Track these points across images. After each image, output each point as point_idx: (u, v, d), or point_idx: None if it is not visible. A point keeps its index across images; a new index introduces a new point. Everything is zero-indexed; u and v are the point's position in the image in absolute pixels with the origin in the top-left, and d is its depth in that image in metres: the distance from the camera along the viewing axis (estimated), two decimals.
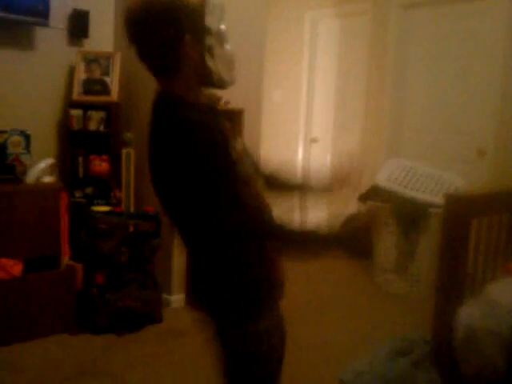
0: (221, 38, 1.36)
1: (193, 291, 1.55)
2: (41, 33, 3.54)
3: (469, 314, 2.33)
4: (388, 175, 4.13)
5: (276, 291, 1.47)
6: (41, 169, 3.27)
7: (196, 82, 1.37)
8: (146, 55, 1.34)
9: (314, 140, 5.86)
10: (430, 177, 4.11)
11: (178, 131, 1.27)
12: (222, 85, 1.40)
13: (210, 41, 1.32)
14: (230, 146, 1.32)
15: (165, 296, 3.55)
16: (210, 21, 1.31)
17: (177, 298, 3.62)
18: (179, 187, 1.31)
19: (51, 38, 3.61)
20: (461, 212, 2.40)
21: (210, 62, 1.33)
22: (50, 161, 3.38)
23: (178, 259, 3.62)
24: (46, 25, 3.46)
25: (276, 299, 1.48)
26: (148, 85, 3.99)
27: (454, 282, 2.43)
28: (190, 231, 1.41)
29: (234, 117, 3.54)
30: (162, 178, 1.36)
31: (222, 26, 1.37)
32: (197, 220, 1.34)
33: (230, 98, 3.56)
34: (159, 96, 1.38)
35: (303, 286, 4.09)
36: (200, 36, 1.31)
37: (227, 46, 1.39)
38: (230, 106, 3.62)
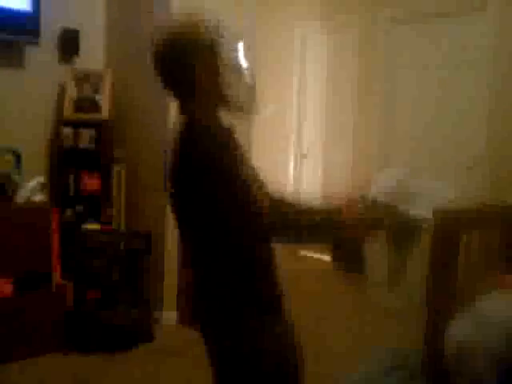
0: (239, 69, 1.47)
1: (194, 312, 1.60)
2: (31, 51, 3.56)
3: (460, 328, 2.33)
4: (379, 189, 4.15)
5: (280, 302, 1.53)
6: (31, 187, 3.26)
7: (216, 108, 1.47)
8: (165, 81, 1.49)
9: (304, 155, 5.88)
10: (421, 189, 4.13)
11: (204, 166, 1.37)
12: (241, 112, 1.51)
13: (224, 72, 1.43)
14: (245, 167, 1.42)
15: (156, 313, 3.53)
16: (224, 54, 1.43)
17: (168, 316, 3.59)
18: (203, 212, 1.39)
19: (42, 57, 3.63)
20: (450, 227, 2.42)
21: (225, 92, 1.44)
22: (40, 179, 3.37)
23: (170, 277, 3.61)
24: (36, 43, 3.47)
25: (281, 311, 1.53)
26: (138, 103, 3.99)
27: (444, 296, 2.44)
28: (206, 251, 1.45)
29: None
30: (186, 204, 1.44)
31: (241, 58, 1.48)
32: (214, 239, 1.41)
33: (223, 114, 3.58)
34: (184, 126, 1.46)
35: (296, 300, 4.07)
36: (215, 68, 1.43)
37: (248, 77, 1.50)
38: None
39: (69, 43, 3.73)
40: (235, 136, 1.43)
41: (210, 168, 1.36)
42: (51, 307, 3.13)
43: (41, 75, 3.65)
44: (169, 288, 3.61)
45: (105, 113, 3.66)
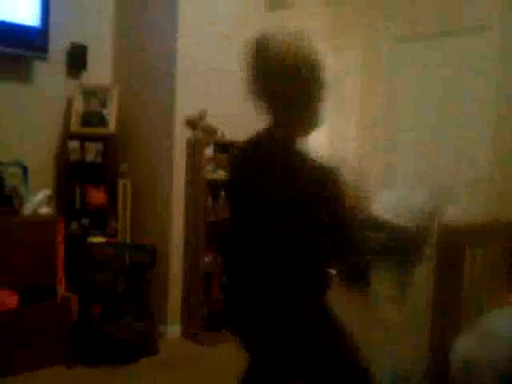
0: (322, 90, 1.53)
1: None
2: (39, 66, 3.60)
3: (465, 344, 2.33)
4: (381, 204, 4.16)
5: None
6: (38, 200, 3.28)
7: (299, 131, 1.56)
8: (271, 103, 1.52)
9: None
10: (424, 206, 4.13)
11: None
12: (313, 130, 1.60)
13: (316, 91, 1.50)
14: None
15: (160, 327, 3.54)
16: (320, 76, 1.49)
17: (172, 329, 3.60)
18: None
19: (50, 72, 3.67)
20: (455, 243, 2.42)
21: (321, 111, 1.53)
22: (47, 192, 3.39)
23: (174, 290, 3.62)
24: (44, 58, 3.52)
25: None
26: (144, 118, 4.04)
27: (449, 311, 2.44)
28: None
29: (230, 148, 3.58)
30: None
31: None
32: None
33: (226, 130, 3.62)
34: (268, 140, 1.54)
35: None
36: (319, 88, 1.51)
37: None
38: (227, 138, 3.66)
39: (77, 58, 3.78)
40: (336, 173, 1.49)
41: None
42: (56, 319, 3.13)
43: (49, 89, 3.69)
44: (173, 301, 3.61)
45: (111, 127, 3.69)
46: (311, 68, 1.46)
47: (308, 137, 1.58)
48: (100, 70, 3.95)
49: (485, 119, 4.32)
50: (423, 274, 3.91)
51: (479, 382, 2.20)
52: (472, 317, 2.58)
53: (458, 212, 4.01)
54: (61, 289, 3.23)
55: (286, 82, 1.46)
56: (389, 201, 4.18)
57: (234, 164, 1.72)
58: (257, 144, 1.57)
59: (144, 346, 3.26)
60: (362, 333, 3.90)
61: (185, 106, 3.56)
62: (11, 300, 3.01)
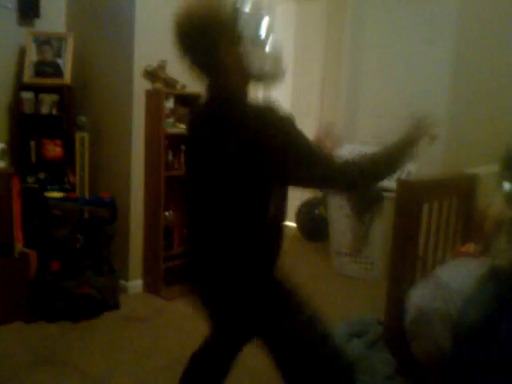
0: (260, 42, 1.52)
1: (195, 277, 1.63)
2: None
3: (419, 295, 2.41)
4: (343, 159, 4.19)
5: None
6: None
7: (241, 81, 1.53)
8: (194, 60, 1.53)
9: None
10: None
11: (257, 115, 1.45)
12: (266, 82, 1.58)
13: (244, 46, 1.48)
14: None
15: (122, 282, 3.53)
16: (243, 29, 1.47)
17: (134, 284, 3.60)
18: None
19: (1, 18, 3.49)
20: (412, 197, 2.47)
21: (246, 64, 1.49)
22: (0, 145, 3.28)
23: (135, 245, 3.60)
24: None
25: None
26: (101, 68, 3.90)
27: (406, 265, 2.51)
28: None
29: (192, 101, 3.52)
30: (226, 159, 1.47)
31: (264, 33, 1.53)
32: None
33: (187, 82, 3.54)
34: (214, 98, 1.55)
35: None
36: (235, 42, 1.47)
37: (272, 49, 1.54)
38: (188, 90, 3.59)
39: (29, 5, 3.59)
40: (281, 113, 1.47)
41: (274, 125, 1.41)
42: (14, 276, 3.08)
43: (0, 37, 3.52)
44: (134, 257, 3.60)
45: (67, 78, 3.56)
46: (222, 22, 1.46)
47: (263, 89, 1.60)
48: (54, 17, 3.78)
49: (443, 75, 4.36)
50: (380, 228, 4.02)
51: (430, 330, 2.29)
52: (428, 269, 2.67)
53: (415, 166, 4.10)
54: (18, 245, 3.17)
55: (205, 44, 1.47)
56: (348, 155, 4.23)
57: (188, 119, 1.74)
58: (207, 103, 1.58)
59: (105, 301, 3.25)
60: (320, 285, 4.00)
61: (144, 56, 3.45)
62: None
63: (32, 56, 3.55)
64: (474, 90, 4.13)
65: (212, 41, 1.47)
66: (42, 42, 3.59)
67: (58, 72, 3.57)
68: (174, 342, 2.96)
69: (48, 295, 3.13)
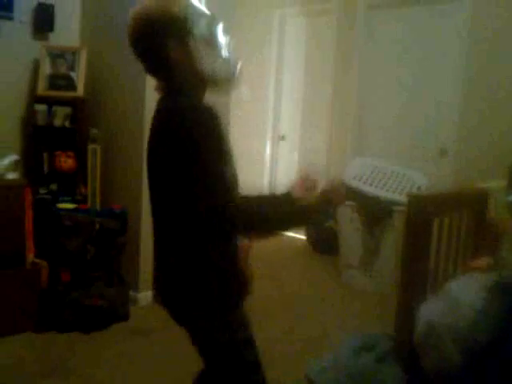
0: (213, 43, 1.46)
1: (157, 289, 1.57)
2: (4, 26, 3.48)
3: (430, 310, 2.39)
4: (353, 173, 4.19)
5: (243, 287, 1.52)
6: (5, 165, 3.22)
7: (191, 84, 1.46)
8: (142, 60, 1.50)
9: (281, 138, 5.90)
10: (393, 175, 4.17)
11: (180, 115, 1.37)
12: (219, 86, 1.51)
13: (194, 44, 1.42)
14: (226, 138, 1.39)
15: (132, 293, 3.54)
16: (194, 27, 1.42)
17: (144, 296, 3.60)
18: (175, 168, 1.37)
19: (15, 32, 3.55)
20: (423, 211, 2.46)
21: (195, 64, 1.43)
22: (13, 157, 3.32)
23: (145, 256, 3.61)
24: (9, 18, 3.40)
25: (242, 296, 1.52)
26: (114, 81, 3.93)
27: (416, 279, 2.50)
28: (171, 217, 1.45)
29: None
30: (162, 160, 1.41)
31: (219, 36, 1.48)
32: (182, 200, 1.39)
33: None
34: (161, 103, 1.48)
35: (270, 281, 4.13)
36: (184, 40, 1.42)
37: (227, 52, 1.50)
38: None
39: (44, 19, 3.65)
40: (217, 116, 1.39)
41: (186, 140, 1.32)
42: (25, 286, 3.10)
43: (14, 51, 3.58)
44: (144, 268, 3.61)
45: (80, 90, 3.61)
46: (170, 18, 1.41)
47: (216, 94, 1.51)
48: (68, 31, 3.83)
49: (454, 90, 4.37)
50: (390, 242, 4.00)
51: (440, 345, 2.27)
52: (438, 283, 2.65)
53: (425, 181, 4.08)
54: (30, 255, 3.20)
55: (153, 43, 1.43)
56: (359, 168, 4.22)
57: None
58: (160, 108, 1.50)
59: (115, 312, 3.26)
60: (329, 298, 3.99)
61: None
62: None
63: (46, 69, 3.60)
64: (484, 105, 4.13)
65: (160, 37, 1.42)
66: (56, 55, 3.64)
67: (71, 85, 3.62)
68: (182, 354, 2.96)
69: (58, 306, 3.14)
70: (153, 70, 1.50)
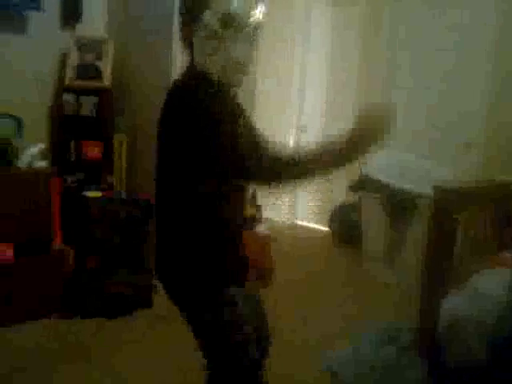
0: (226, 40, 1.42)
1: (158, 270, 1.63)
2: (33, 17, 3.52)
3: (455, 303, 2.38)
4: (377, 166, 4.17)
5: (241, 268, 1.58)
6: (33, 153, 3.27)
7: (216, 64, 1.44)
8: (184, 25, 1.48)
9: (304, 128, 5.87)
10: (418, 168, 4.15)
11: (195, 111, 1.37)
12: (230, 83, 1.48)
13: (202, 34, 1.42)
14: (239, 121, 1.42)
15: (155, 281, 3.58)
16: (208, 20, 1.40)
17: None
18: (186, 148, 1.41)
19: (43, 23, 3.60)
20: (449, 204, 2.44)
21: (200, 58, 1.44)
22: (41, 146, 3.37)
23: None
24: (38, 8, 3.44)
25: (241, 276, 1.57)
26: (140, 71, 3.95)
27: (440, 272, 2.48)
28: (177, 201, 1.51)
29: None
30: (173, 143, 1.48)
31: (232, 32, 1.42)
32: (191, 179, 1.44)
33: None
34: (185, 72, 1.51)
35: (291, 272, 4.13)
36: (196, 26, 1.43)
37: (239, 52, 1.44)
38: None
39: (71, 9, 3.70)
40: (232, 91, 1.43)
41: (201, 112, 1.35)
42: (51, 272, 3.17)
43: (43, 41, 3.62)
44: None
45: (107, 80, 3.65)
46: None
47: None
48: (95, 22, 3.87)
49: (481, 81, 4.29)
50: (416, 235, 3.96)
51: (464, 338, 2.25)
52: (463, 277, 2.63)
53: (450, 174, 4.04)
54: (57, 242, 3.26)
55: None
56: (384, 161, 4.19)
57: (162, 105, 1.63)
58: (179, 85, 1.52)
59: (138, 299, 3.31)
60: (351, 290, 3.98)
61: (181, 59, 3.51)
62: (7, 252, 3.03)
63: (73, 59, 3.65)
64: None
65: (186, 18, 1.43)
66: (83, 45, 3.68)
67: (98, 75, 3.66)
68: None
69: (83, 292, 3.20)
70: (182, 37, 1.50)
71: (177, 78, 1.54)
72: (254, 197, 4.25)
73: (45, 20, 3.58)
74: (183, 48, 1.52)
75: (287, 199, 5.57)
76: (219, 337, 1.53)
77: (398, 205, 4.01)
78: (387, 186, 4.06)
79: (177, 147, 1.43)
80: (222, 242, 1.51)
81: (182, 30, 1.48)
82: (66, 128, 3.60)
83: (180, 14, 1.47)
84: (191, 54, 1.48)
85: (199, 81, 1.42)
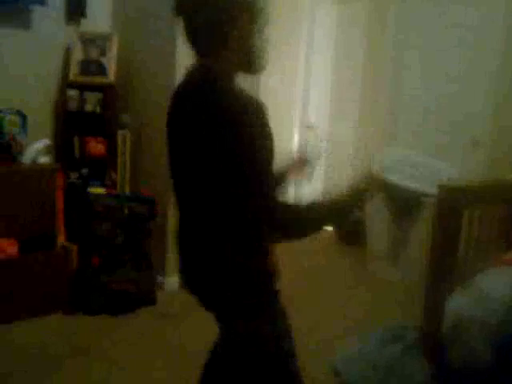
0: (266, 21, 1.37)
1: (186, 274, 1.58)
2: (37, 12, 3.51)
3: (459, 302, 2.37)
4: (382, 164, 4.15)
5: (273, 280, 1.49)
6: (37, 149, 3.27)
7: (236, 66, 1.38)
8: (194, 29, 1.36)
9: (309, 126, 5.86)
10: (423, 166, 4.12)
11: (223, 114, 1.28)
12: (257, 70, 1.42)
13: (261, 22, 1.34)
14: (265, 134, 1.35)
15: (159, 279, 3.58)
16: (260, 18, 1.33)
17: (171, 281, 3.64)
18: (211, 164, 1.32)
19: (48, 18, 3.58)
20: (453, 202, 2.42)
21: (258, 45, 1.35)
22: (45, 141, 3.37)
23: (173, 241, 3.64)
24: (42, 3, 3.43)
25: (275, 290, 1.49)
26: (145, 67, 3.95)
27: (445, 271, 2.46)
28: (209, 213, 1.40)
29: None
30: (196, 155, 1.37)
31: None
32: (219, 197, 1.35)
33: None
34: (198, 74, 1.39)
35: (296, 272, 4.12)
36: (255, 16, 1.33)
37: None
38: None
39: (76, 4, 3.68)
40: (264, 110, 1.35)
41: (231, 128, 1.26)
42: (55, 269, 3.16)
43: (47, 36, 3.61)
44: (172, 253, 3.64)
45: (111, 76, 3.63)
46: (244, 9, 1.30)
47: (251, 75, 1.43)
48: (99, 17, 3.86)
49: (487, 81, 4.27)
50: (420, 233, 3.95)
51: (468, 338, 2.24)
52: (467, 276, 2.62)
53: (456, 172, 4.02)
54: (60, 239, 3.25)
55: (214, 22, 1.32)
56: (388, 159, 4.17)
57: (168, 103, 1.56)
58: (189, 81, 1.44)
59: (142, 296, 3.31)
60: (355, 289, 3.97)
61: (186, 56, 3.49)
62: (11, 248, 3.03)
63: (78, 55, 3.64)
64: None
65: (231, 8, 1.29)
66: (88, 41, 3.67)
67: (102, 71, 3.64)
68: (208, 340, 2.99)
69: (87, 289, 3.20)
70: (205, 42, 1.37)
71: (191, 78, 1.44)
72: None
73: (49, 15, 3.57)
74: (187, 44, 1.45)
75: (289, 198, 5.55)
76: (265, 348, 1.47)
77: (403, 203, 3.98)
78: (392, 184, 4.04)
79: (213, 154, 1.32)
80: (264, 251, 1.44)
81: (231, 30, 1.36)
82: (69, 124, 3.59)
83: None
84: (198, 50, 1.42)
85: (228, 93, 1.32)
